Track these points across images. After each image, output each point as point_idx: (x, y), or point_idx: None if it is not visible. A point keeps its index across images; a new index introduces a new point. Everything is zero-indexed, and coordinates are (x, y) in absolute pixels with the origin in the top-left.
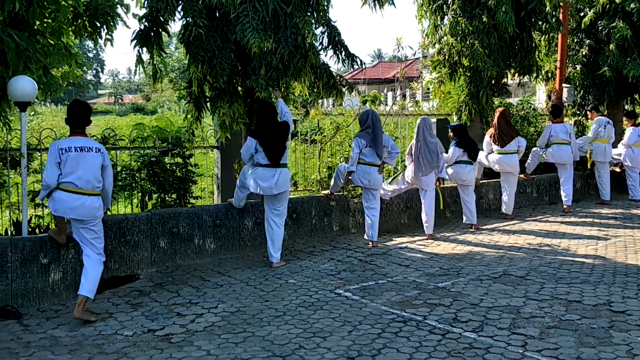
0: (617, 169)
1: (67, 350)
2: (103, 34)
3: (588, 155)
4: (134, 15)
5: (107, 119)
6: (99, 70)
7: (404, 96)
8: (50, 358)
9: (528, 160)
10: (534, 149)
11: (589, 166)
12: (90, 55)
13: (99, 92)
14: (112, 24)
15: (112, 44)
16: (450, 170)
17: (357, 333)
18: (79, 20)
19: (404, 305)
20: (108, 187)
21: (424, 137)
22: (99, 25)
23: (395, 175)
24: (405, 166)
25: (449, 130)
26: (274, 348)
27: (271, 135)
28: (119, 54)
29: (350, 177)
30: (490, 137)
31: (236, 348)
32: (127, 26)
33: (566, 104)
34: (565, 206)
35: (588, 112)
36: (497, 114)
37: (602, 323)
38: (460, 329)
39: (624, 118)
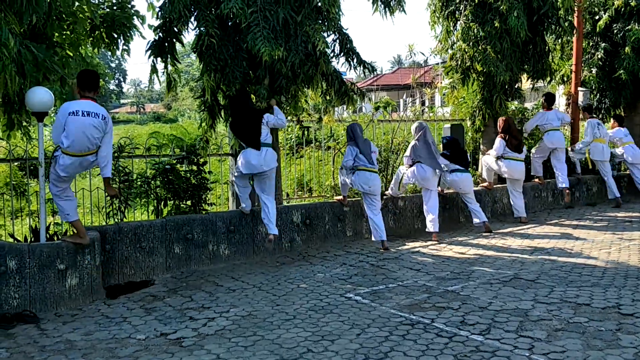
0: None
1: (81, 354)
2: (120, 44)
3: (587, 156)
4: (150, 26)
5: (127, 128)
6: (122, 79)
7: (423, 103)
8: None
9: (534, 164)
10: (532, 152)
11: (590, 166)
12: (113, 65)
13: (122, 101)
14: (128, 35)
15: (128, 54)
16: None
17: (365, 336)
18: (97, 32)
19: (413, 309)
20: (104, 152)
21: (432, 139)
22: (116, 36)
23: (400, 180)
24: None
25: (442, 142)
26: (282, 351)
27: (244, 125)
28: (141, 63)
29: (351, 183)
30: (507, 141)
31: (245, 352)
32: (143, 37)
33: (580, 107)
34: (566, 191)
35: (580, 111)
36: (505, 121)
37: (610, 326)
38: (467, 331)
39: (612, 120)
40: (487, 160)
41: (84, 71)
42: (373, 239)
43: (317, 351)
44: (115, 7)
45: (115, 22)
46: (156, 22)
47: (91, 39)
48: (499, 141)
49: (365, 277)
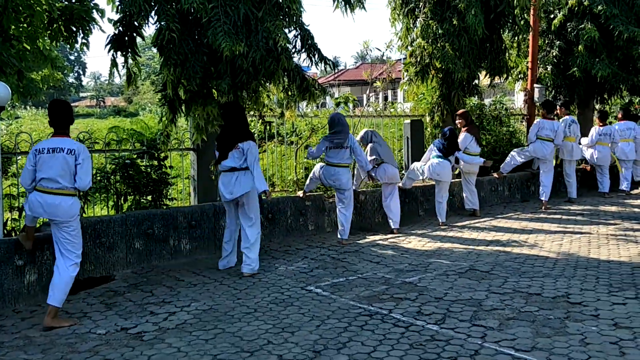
0: (588, 168)
1: (40, 350)
2: (79, 38)
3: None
4: (110, 20)
5: (87, 122)
6: (81, 72)
7: (385, 98)
8: (23, 358)
9: (510, 161)
10: (512, 152)
11: (557, 162)
12: (72, 57)
13: (81, 94)
14: (87, 28)
15: (87, 48)
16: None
17: (324, 327)
18: (55, 25)
19: (372, 300)
20: (79, 184)
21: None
22: (74, 29)
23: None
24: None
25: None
26: (242, 344)
27: (225, 142)
28: (100, 56)
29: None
30: (473, 136)
31: (206, 344)
32: (103, 30)
33: (537, 103)
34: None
35: (558, 107)
36: (467, 113)
37: (558, 314)
38: (423, 321)
39: (562, 109)
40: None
41: (53, 104)
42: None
43: (277, 343)
44: (73, 0)
45: (74, 15)
46: (116, 16)
47: (49, 32)
48: (464, 135)
49: (326, 270)
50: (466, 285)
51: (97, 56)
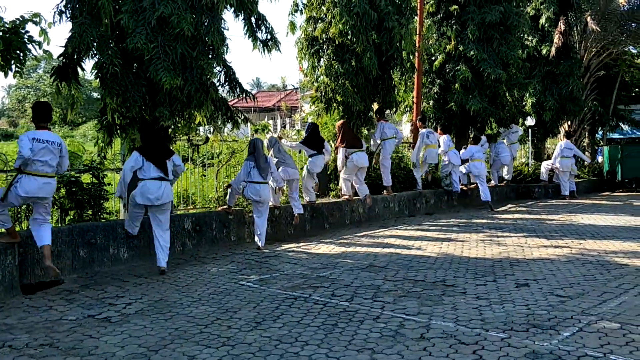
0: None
1: (24, 332)
2: (13, 66)
3: (420, 162)
4: (45, 52)
5: None
6: None
7: (284, 126)
8: (12, 337)
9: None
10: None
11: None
12: None
13: None
14: (22, 58)
15: (21, 76)
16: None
17: (260, 307)
18: None
19: (294, 289)
20: (62, 170)
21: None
22: (9, 58)
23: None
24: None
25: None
26: (196, 320)
27: (154, 156)
28: None
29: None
30: (345, 144)
31: (166, 322)
32: (38, 60)
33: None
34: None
35: (417, 122)
36: (340, 126)
37: (437, 292)
38: (336, 300)
39: (420, 123)
40: (342, 175)
41: (38, 104)
42: (257, 241)
43: (224, 319)
44: (8, 34)
45: (12, 46)
46: (49, 47)
47: None
48: (340, 151)
49: (253, 269)
50: (367, 276)
51: None
